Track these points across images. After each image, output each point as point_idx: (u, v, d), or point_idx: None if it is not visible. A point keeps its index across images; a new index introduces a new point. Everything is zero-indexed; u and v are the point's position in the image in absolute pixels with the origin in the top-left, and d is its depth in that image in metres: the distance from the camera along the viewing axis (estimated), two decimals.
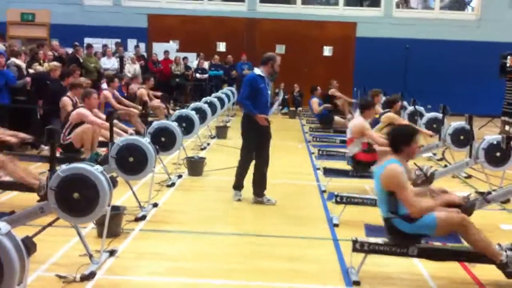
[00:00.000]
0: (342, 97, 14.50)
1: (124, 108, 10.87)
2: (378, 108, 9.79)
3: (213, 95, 13.39)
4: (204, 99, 12.11)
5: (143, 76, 14.15)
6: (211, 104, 11.49)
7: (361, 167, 7.36)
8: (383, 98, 14.52)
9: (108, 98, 10.93)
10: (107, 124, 7.48)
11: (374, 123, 9.13)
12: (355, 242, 4.59)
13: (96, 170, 4.50)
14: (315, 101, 13.44)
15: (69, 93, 8.58)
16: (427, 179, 7.05)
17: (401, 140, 4.59)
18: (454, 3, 20.98)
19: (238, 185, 7.05)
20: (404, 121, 9.13)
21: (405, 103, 12.63)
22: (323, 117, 13.18)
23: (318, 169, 8.63)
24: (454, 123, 9.19)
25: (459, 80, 18.56)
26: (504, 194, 5.82)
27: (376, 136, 7.54)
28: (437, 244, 4.75)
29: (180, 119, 8.83)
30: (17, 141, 6.86)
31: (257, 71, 6.86)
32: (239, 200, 6.95)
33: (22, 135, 7.04)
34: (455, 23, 19.31)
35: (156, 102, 12.15)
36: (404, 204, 4.43)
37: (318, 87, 13.90)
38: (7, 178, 6.81)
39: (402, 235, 4.49)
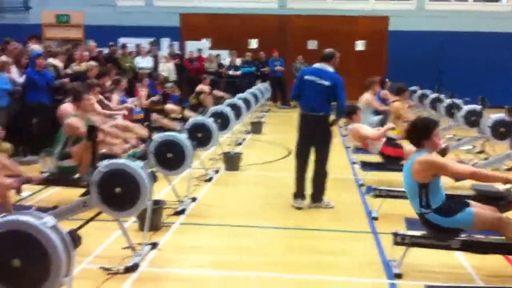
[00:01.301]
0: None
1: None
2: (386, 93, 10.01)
3: (247, 91, 13.42)
4: (238, 95, 12.14)
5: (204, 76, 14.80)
6: (245, 100, 11.52)
7: (392, 160, 7.31)
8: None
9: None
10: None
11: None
12: (395, 235, 4.55)
13: (136, 165, 4.57)
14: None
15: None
16: None
17: (421, 134, 4.47)
18: None
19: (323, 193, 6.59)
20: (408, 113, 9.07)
21: (442, 96, 12.46)
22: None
23: (355, 163, 8.58)
24: (493, 115, 9.01)
25: (494, 72, 18.19)
26: None
27: (368, 132, 7.44)
28: (479, 236, 4.66)
29: (215, 115, 8.88)
30: None
31: (332, 69, 6.42)
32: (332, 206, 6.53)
33: None
34: (489, 15, 18.93)
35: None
36: (454, 175, 4.45)
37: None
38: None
39: (439, 229, 4.43)
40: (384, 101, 10.33)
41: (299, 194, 6.54)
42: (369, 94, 9.95)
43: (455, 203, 4.49)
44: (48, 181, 6.31)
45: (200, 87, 13.70)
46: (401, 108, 9.02)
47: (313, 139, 6.47)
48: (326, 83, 6.29)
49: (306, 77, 6.43)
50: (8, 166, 5.73)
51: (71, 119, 6.24)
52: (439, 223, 4.39)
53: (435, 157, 4.42)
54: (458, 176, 4.61)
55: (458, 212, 4.35)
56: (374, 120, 9.31)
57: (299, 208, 6.43)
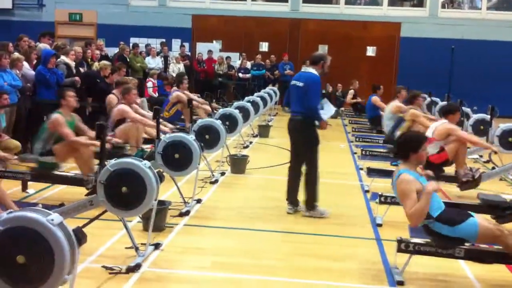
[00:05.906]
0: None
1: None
2: (400, 105, 9.79)
3: (256, 94, 13.44)
4: (247, 98, 12.16)
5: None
6: (254, 103, 11.54)
7: (432, 169, 7.25)
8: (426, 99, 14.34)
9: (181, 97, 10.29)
10: (147, 121, 7.89)
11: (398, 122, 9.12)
12: (400, 242, 4.56)
13: (144, 165, 4.59)
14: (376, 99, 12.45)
15: (114, 91, 8.79)
16: (474, 180, 6.98)
17: (409, 148, 4.52)
18: (502, 3, 20.46)
19: (316, 200, 6.38)
20: (427, 119, 8.81)
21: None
22: (373, 118, 12.37)
23: (361, 169, 8.58)
24: (502, 125, 8.98)
25: (506, 81, 18.07)
26: None
27: (466, 134, 7.72)
28: (483, 246, 4.65)
29: (224, 118, 8.90)
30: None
31: (314, 71, 6.31)
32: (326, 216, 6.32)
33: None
34: (503, 24, 18.80)
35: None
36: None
37: (381, 86, 13.00)
38: (56, 172, 6.99)
39: (443, 238, 4.43)
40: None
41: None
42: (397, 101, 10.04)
43: (458, 213, 4.50)
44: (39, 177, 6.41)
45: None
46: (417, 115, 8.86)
47: (294, 144, 6.45)
48: (300, 84, 6.24)
49: (292, 82, 6.43)
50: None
51: (56, 116, 6.31)
52: (443, 232, 4.39)
53: (404, 184, 4.40)
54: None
55: (462, 222, 4.35)
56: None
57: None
